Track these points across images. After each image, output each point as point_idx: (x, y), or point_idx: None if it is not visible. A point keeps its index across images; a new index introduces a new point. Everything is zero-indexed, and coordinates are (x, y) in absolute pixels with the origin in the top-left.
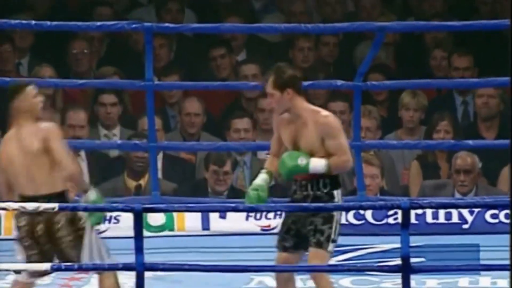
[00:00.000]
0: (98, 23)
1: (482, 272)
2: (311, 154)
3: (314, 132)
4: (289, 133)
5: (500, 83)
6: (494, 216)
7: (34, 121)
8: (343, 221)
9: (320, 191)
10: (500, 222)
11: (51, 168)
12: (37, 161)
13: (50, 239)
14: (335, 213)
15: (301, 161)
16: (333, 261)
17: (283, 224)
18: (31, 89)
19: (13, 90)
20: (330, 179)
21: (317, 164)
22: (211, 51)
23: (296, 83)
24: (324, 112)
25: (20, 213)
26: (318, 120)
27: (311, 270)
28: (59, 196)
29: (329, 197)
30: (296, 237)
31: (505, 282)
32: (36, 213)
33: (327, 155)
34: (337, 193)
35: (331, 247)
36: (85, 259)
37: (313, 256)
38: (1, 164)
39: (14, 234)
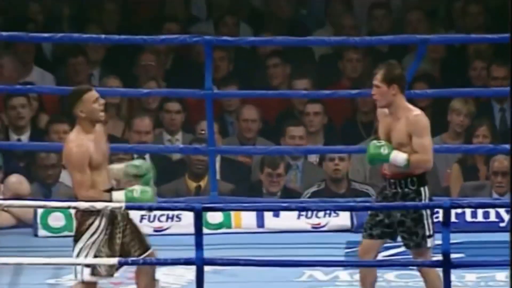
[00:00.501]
0: (163, 37)
1: None
2: (400, 149)
3: (404, 128)
4: (384, 125)
5: None
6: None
7: (94, 125)
8: None
9: (408, 189)
10: None
11: None
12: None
13: (124, 236)
14: (423, 211)
15: (384, 150)
16: (379, 256)
17: (374, 215)
18: (91, 95)
19: (73, 95)
20: (417, 177)
21: (398, 156)
22: (265, 61)
23: (402, 81)
24: (416, 111)
25: (98, 212)
26: (409, 117)
27: (360, 265)
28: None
29: (416, 194)
30: (386, 227)
31: None
32: (116, 211)
33: (414, 152)
34: (423, 190)
35: (429, 243)
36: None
37: (416, 255)
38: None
39: (89, 232)
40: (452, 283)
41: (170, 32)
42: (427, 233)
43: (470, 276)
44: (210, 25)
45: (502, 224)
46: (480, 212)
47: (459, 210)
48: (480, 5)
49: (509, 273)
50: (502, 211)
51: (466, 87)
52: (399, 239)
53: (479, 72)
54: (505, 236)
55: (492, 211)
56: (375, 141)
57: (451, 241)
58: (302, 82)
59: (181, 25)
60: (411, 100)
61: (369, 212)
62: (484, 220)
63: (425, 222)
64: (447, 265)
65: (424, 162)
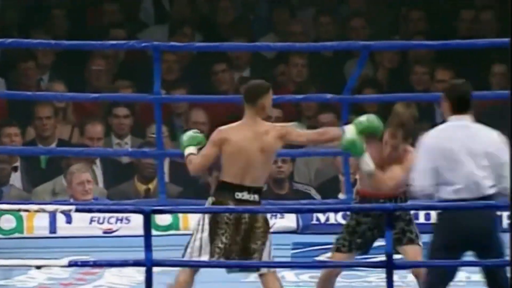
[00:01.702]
0: (112, 42)
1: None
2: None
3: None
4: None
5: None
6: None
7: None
8: (333, 221)
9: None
10: None
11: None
12: (264, 158)
13: (247, 235)
14: (412, 214)
15: (363, 145)
16: (323, 257)
17: (353, 231)
18: (270, 91)
19: (261, 89)
20: (405, 196)
21: (368, 159)
22: (213, 67)
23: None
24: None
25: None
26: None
27: (306, 266)
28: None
29: (406, 211)
30: (371, 240)
31: (477, 277)
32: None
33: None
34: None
35: (420, 242)
36: (265, 257)
37: (412, 252)
38: (230, 148)
39: (203, 227)
40: (395, 283)
41: (116, 38)
42: (418, 233)
43: (412, 276)
44: (159, 31)
45: None
46: (421, 214)
47: None
48: (422, 11)
49: (509, 271)
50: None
51: (408, 91)
52: None
53: (420, 77)
54: None
55: (433, 213)
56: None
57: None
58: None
59: (128, 31)
60: (358, 105)
61: (344, 228)
62: (426, 222)
63: (415, 224)
64: (390, 265)
65: (385, 183)
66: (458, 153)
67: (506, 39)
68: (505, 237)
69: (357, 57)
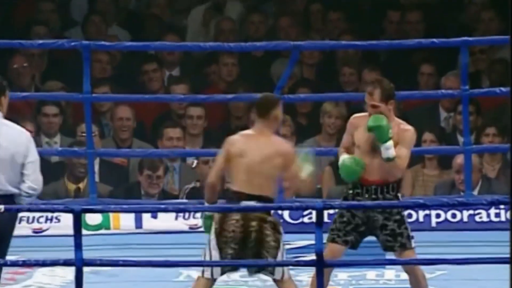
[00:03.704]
0: (40, 41)
1: (387, 266)
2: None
3: (395, 138)
4: (367, 135)
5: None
6: (409, 215)
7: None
8: None
9: (389, 194)
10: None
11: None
12: (270, 165)
13: (258, 238)
14: (404, 213)
15: (357, 166)
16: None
17: (348, 222)
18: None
19: (274, 101)
20: (396, 184)
21: (391, 148)
22: (144, 66)
23: (394, 95)
24: (407, 126)
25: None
26: (401, 128)
27: (236, 264)
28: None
29: (395, 200)
30: (362, 235)
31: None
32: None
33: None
34: (400, 196)
35: (412, 243)
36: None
37: (401, 257)
38: (234, 153)
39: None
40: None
41: (39, 36)
42: (410, 234)
43: (342, 275)
44: (88, 29)
45: None
46: None
47: (332, 211)
48: (339, 12)
49: (509, 271)
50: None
51: (338, 91)
52: None
53: (348, 78)
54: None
55: None
56: (350, 159)
57: (324, 241)
58: (180, 86)
59: (55, 29)
60: (290, 105)
61: (339, 219)
62: None
63: (407, 223)
64: (320, 264)
65: (399, 167)
66: None
67: (434, 39)
68: (505, 235)
69: (284, 57)
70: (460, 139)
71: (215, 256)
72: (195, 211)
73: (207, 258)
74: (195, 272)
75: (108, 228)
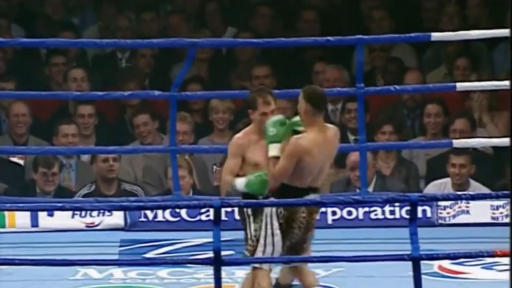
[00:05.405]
0: None
1: None
2: None
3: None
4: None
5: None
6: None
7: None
8: (160, 218)
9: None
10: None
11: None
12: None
13: (312, 228)
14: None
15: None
16: (151, 254)
17: None
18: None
19: (320, 97)
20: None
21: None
22: (48, 60)
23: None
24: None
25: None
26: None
27: (129, 263)
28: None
29: None
30: None
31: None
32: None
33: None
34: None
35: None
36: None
37: None
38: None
39: (274, 223)
40: (223, 280)
41: None
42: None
43: (240, 272)
44: None
45: None
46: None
47: (229, 209)
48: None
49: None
50: None
51: (229, 87)
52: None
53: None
54: None
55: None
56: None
57: (222, 239)
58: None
59: None
60: (184, 102)
61: None
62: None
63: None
64: (218, 262)
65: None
66: None
67: (329, 37)
68: (399, 232)
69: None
70: (350, 137)
71: (278, 240)
72: (91, 210)
73: (268, 240)
74: (92, 270)
75: (3, 226)
